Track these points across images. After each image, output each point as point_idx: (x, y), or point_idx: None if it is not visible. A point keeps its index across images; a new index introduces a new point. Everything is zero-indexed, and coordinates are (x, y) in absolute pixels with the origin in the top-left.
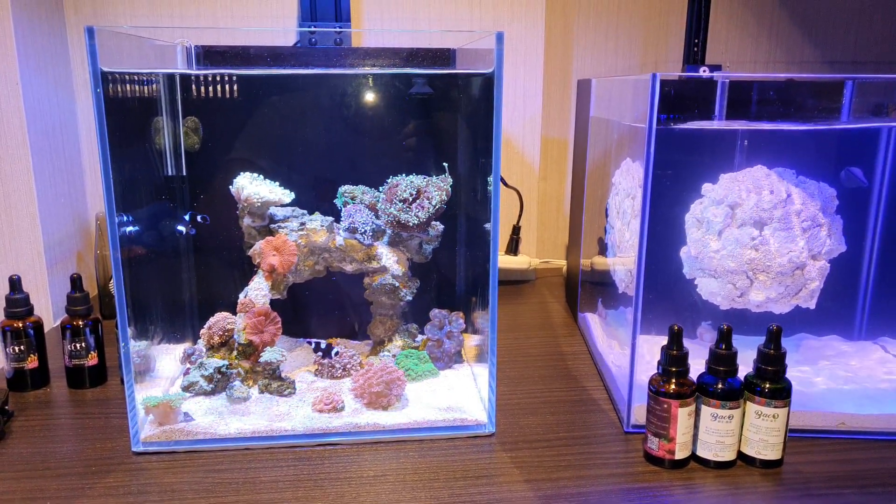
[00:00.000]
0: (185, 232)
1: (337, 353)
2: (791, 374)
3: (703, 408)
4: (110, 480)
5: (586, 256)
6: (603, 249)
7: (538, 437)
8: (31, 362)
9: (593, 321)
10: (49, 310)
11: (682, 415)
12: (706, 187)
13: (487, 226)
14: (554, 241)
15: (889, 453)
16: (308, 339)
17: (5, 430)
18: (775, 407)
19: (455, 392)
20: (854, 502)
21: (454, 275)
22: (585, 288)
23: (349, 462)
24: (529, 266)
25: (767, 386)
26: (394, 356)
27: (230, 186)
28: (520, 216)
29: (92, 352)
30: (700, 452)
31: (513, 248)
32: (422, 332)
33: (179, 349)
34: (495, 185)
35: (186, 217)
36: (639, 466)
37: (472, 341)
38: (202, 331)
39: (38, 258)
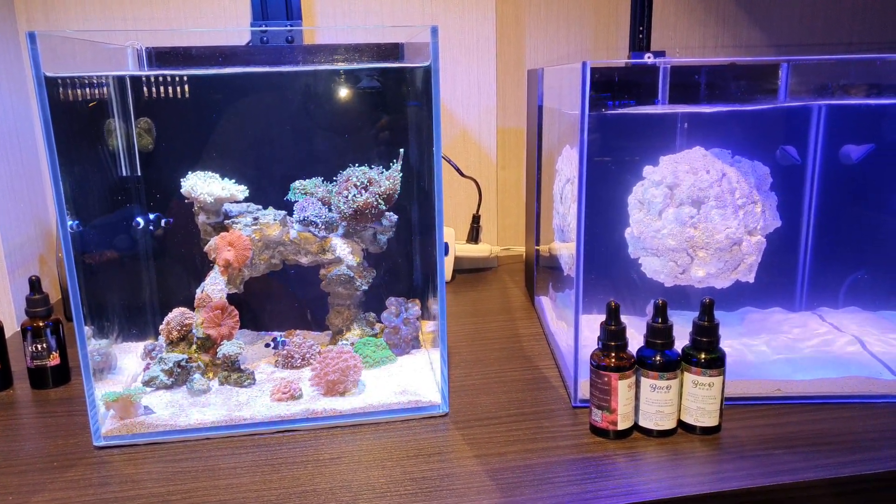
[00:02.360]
0: (142, 224)
1: (285, 343)
2: (734, 345)
3: (643, 380)
4: (72, 474)
5: (542, 243)
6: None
7: (490, 414)
8: None
9: (546, 304)
10: (12, 315)
11: (622, 387)
12: (647, 170)
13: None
14: (515, 228)
15: (819, 415)
16: (270, 335)
17: None
18: (710, 376)
19: (411, 376)
20: (784, 460)
21: (410, 264)
22: (541, 272)
23: (306, 446)
24: (490, 254)
25: (703, 356)
26: (352, 344)
27: (181, 185)
28: (479, 205)
29: (53, 352)
30: (642, 422)
31: (473, 236)
32: (379, 321)
33: (141, 346)
34: (437, 177)
35: (151, 217)
36: (585, 438)
37: (429, 327)
38: (161, 326)
39: None
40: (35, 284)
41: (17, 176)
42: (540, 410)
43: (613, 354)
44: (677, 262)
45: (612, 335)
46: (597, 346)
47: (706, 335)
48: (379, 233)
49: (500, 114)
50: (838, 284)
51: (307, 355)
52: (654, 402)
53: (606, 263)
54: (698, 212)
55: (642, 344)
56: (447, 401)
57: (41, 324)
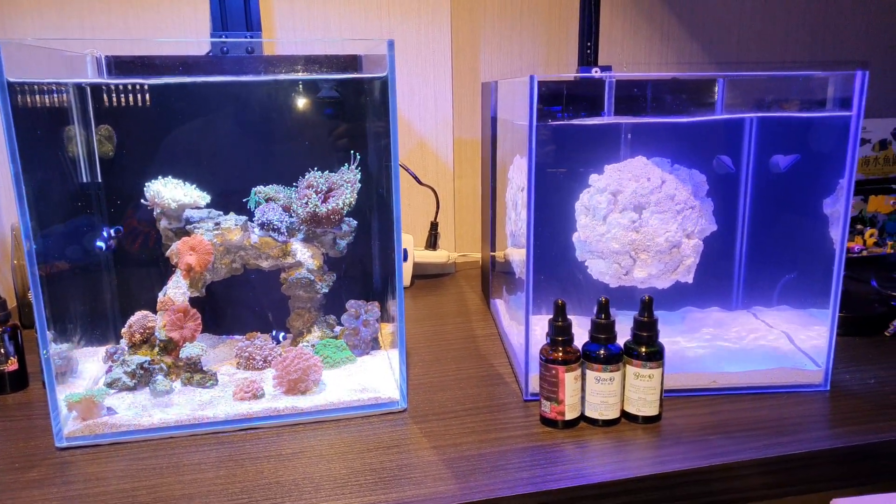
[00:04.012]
0: (104, 248)
1: (284, 337)
2: (675, 341)
3: (588, 372)
4: (34, 474)
5: (497, 248)
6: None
7: (447, 409)
8: None
9: (501, 306)
10: None
11: (569, 379)
12: (593, 178)
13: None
14: (471, 235)
15: (751, 404)
16: (232, 338)
17: None
18: (650, 368)
19: (371, 375)
20: (719, 444)
21: (370, 268)
22: (496, 277)
23: (269, 443)
24: (448, 260)
25: (643, 349)
26: (313, 346)
27: (145, 191)
28: (436, 213)
29: (11, 357)
30: (588, 413)
31: (431, 242)
32: (340, 324)
33: (102, 350)
34: (395, 184)
35: (105, 233)
36: (535, 429)
37: (388, 328)
38: (123, 329)
39: None
40: None
41: None
42: (494, 404)
43: (560, 349)
44: (621, 263)
45: (559, 331)
46: (545, 342)
47: (646, 330)
48: (339, 237)
49: (456, 124)
50: (771, 285)
51: (268, 357)
52: (598, 393)
53: (555, 266)
54: (640, 217)
55: (587, 340)
56: (406, 397)
57: None
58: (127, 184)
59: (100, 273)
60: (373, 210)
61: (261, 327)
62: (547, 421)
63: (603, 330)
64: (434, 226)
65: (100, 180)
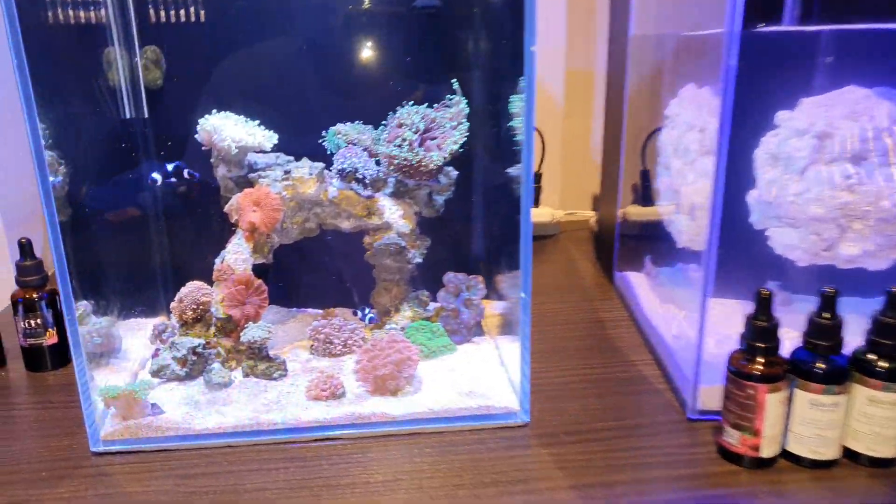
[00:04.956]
0: (160, 180)
1: (373, 319)
2: None
3: (800, 393)
4: (62, 491)
5: (625, 205)
6: (647, 197)
7: (582, 426)
8: None
9: (637, 282)
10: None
11: (772, 402)
12: (782, 116)
13: (513, 170)
14: (579, 188)
15: None
16: (304, 312)
17: None
18: (894, 391)
19: (477, 371)
20: None
21: (471, 230)
22: (625, 242)
23: (353, 463)
24: (552, 219)
25: (885, 364)
26: (402, 329)
27: (198, 128)
28: (541, 161)
29: (50, 328)
30: (791, 447)
31: (534, 199)
32: (434, 300)
33: (150, 325)
34: (528, 117)
35: (170, 168)
36: (712, 465)
37: (493, 308)
38: (172, 304)
39: None
40: (26, 248)
41: (10, 123)
42: (645, 423)
43: (762, 359)
44: (822, 235)
45: (762, 334)
46: (739, 347)
47: (893, 336)
48: (435, 192)
49: (569, 52)
50: None
51: (349, 341)
52: (813, 422)
53: (725, 234)
54: (858, 170)
55: (798, 345)
56: (528, 409)
57: (34, 295)
58: (178, 119)
59: (146, 230)
60: (477, 156)
61: (340, 300)
62: (731, 455)
63: (827, 334)
64: (537, 177)
65: (146, 115)
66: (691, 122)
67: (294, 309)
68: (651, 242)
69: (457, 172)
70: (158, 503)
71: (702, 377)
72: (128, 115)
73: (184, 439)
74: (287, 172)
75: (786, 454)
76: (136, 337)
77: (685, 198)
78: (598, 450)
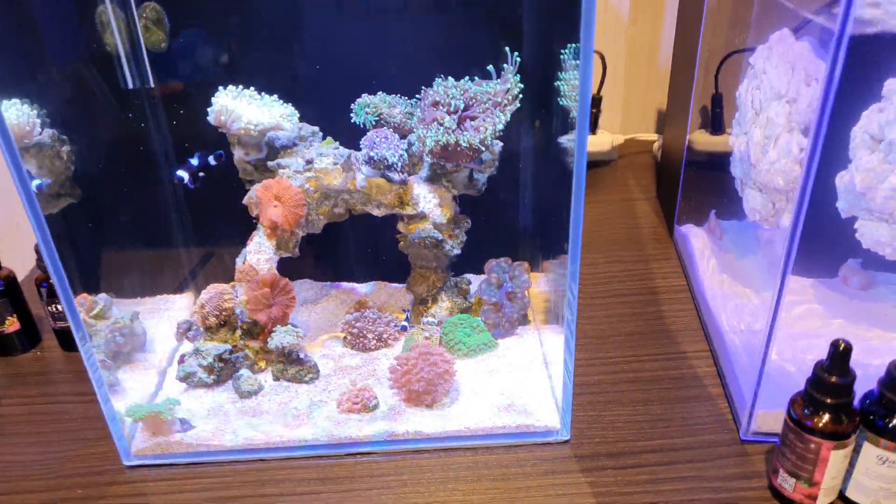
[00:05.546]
0: (186, 178)
1: (405, 328)
2: None
3: (868, 447)
4: None
5: (693, 129)
6: (717, 126)
7: (625, 446)
8: (12, 325)
9: (698, 241)
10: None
11: (836, 458)
12: (891, 85)
13: (565, 138)
14: (643, 104)
15: None
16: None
17: None
18: None
19: (518, 376)
20: None
21: (516, 209)
22: (689, 184)
23: (386, 485)
24: (612, 145)
25: None
26: (439, 323)
27: (209, 110)
28: (601, 83)
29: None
30: (852, 495)
31: (591, 124)
32: (471, 284)
33: (176, 302)
34: (585, 84)
35: (194, 161)
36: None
37: (538, 285)
38: (194, 308)
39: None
40: None
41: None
42: (694, 442)
43: (829, 416)
44: None
45: (833, 390)
46: (802, 392)
47: None
48: (476, 171)
49: None
50: None
51: (384, 335)
52: (879, 477)
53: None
54: None
55: (870, 394)
56: (569, 424)
57: None
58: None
59: (165, 209)
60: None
61: (375, 273)
62: (783, 499)
63: None
64: (596, 102)
65: (151, 83)
66: (779, 88)
67: (328, 284)
68: (717, 188)
69: (501, 145)
70: None
71: (763, 400)
72: (129, 85)
73: (215, 454)
74: (309, 162)
75: (844, 499)
76: (162, 320)
77: (762, 175)
78: (641, 478)
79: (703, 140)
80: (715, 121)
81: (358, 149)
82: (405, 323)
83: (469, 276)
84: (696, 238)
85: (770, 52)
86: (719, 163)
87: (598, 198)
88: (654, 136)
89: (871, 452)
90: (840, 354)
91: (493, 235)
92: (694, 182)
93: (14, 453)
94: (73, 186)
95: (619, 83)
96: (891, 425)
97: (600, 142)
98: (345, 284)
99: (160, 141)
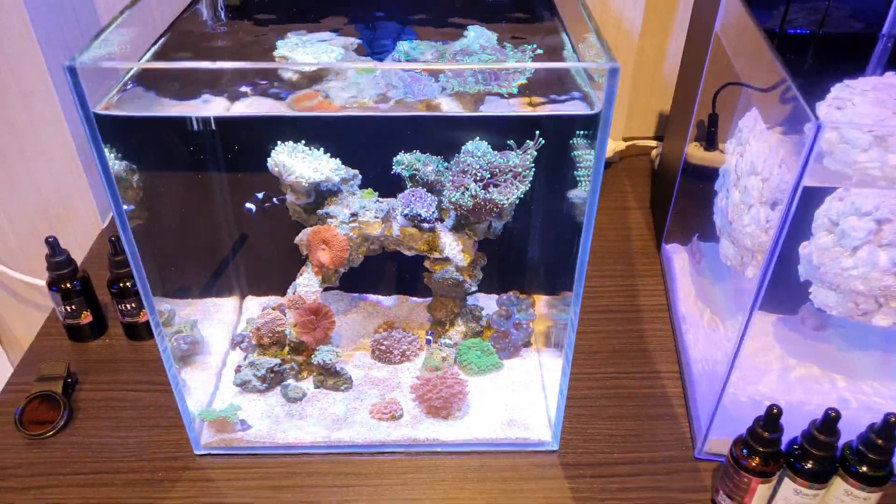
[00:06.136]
0: (254, 210)
1: (429, 341)
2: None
3: (788, 482)
4: (177, 496)
5: (690, 140)
6: (712, 143)
7: (602, 457)
8: (86, 318)
9: (680, 262)
10: (95, 212)
11: (762, 489)
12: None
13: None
14: (645, 109)
15: None
16: (364, 299)
17: (73, 407)
18: (868, 491)
19: (519, 395)
20: None
21: (525, 245)
22: (680, 199)
23: (408, 485)
24: (614, 151)
25: (867, 470)
26: (455, 345)
27: (269, 161)
28: None
29: (144, 309)
30: None
31: None
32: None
33: (224, 305)
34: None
35: (259, 196)
36: None
37: (540, 307)
38: (251, 329)
39: (73, 160)
40: (116, 244)
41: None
42: (658, 457)
43: (759, 459)
44: (858, 304)
45: (765, 443)
46: (742, 435)
47: (879, 454)
48: (495, 220)
49: None
50: None
51: (407, 352)
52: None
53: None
54: None
55: (796, 441)
56: (558, 439)
57: (128, 284)
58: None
59: (216, 214)
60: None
61: (398, 288)
62: None
63: (823, 448)
64: None
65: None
66: (756, 165)
67: (355, 295)
68: (703, 210)
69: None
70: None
71: (717, 427)
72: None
73: (269, 449)
74: (354, 215)
75: None
76: (213, 323)
77: (735, 232)
78: (613, 487)
79: (697, 154)
80: (710, 138)
81: (391, 193)
82: (429, 338)
83: (481, 295)
84: (679, 258)
85: (751, 120)
86: (708, 181)
87: None
88: (654, 143)
89: (789, 485)
90: (773, 417)
91: (504, 267)
92: (684, 198)
93: (99, 436)
94: (141, 210)
95: (625, 90)
96: (805, 468)
97: None
98: (371, 297)
99: (216, 170)
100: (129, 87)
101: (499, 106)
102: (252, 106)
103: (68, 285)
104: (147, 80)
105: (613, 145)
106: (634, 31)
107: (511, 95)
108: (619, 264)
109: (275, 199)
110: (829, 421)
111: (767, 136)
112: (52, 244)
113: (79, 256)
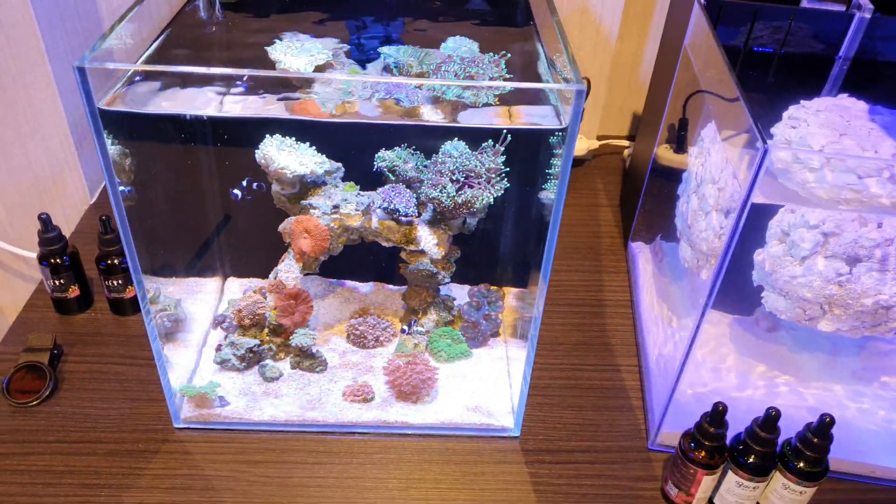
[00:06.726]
0: (240, 196)
1: (409, 330)
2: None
3: (731, 474)
4: (155, 466)
5: (660, 142)
6: (682, 146)
7: (561, 442)
8: (73, 292)
9: (644, 260)
10: (84, 188)
11: (707, 480)
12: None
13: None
14: (620, 109)
15: None
16: (341, 284)
17: (59, 378)
18: (805, 486)
19: (486, 383)
20: None
21: (497, 240)
22: (647, 198)
23: (376, 464)
24: (587, 150)
25: (803, 466)
26: (427, 332)
27: (256, 153)
28: (587, 92)
29: (130, 286)
30: (717, 503)
31: None
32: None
33: (206, 285)
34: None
35: (244, 183)
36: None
37: (511, 303)
38: (233, 311)
39: (65, 138)
40: (107, 223)
41: (74, 33)
42: (613, 446)
43: (705, 452)
44: (805, 310)
45: (710, 436)
46: (690, 429)
47: (815, 451)
48: (469, 217)
49: None
50: None
51: (381, 337)
52: (736, 495)
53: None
54: (850, 271)
55: (739, 436)
56: (520, 426)
57: (116, 261)
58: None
59: (202, 195)
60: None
61: (375, 275)
62: (670, 502)
63: (763, 444)
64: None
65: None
66: (714, 175)
67: (333, 281)
68: (667, 211)
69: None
70: (228, 489)
71: (669, 421)
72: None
73: (246, 426)
74: (336, 207)
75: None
76: (196, 302)
77: (692, 235)
78: (570, 474)
79: (666, 156)
80: (679, 141)
81: (371, 187)
82: (405, 327)
83: (454, 286)
84: (643, 257)
85: (710, 133)
86: (675, 183)
87: (566, 200)
88: (627, 143)
89: (732, 478)
90: (719, 413)
91: (477, 260)
92: (651, 198)
93: (82, 407)
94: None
95: (601, 90)
96: (747, 462)
97: (577, 147)
98: (348, 283)
99: (206, 157)
100: (136, 79)
101: (475, 114)
102: (244, 104)
103: (58, 260)
104: (148, 77)
105: (587, 143)
106: (612, 35)
107: (487, 105)
108: (586, 259)
109: (259, 186)
110: (770, 419)
111: (725, 148)
112: (45, 220)
113: (67, 231)
